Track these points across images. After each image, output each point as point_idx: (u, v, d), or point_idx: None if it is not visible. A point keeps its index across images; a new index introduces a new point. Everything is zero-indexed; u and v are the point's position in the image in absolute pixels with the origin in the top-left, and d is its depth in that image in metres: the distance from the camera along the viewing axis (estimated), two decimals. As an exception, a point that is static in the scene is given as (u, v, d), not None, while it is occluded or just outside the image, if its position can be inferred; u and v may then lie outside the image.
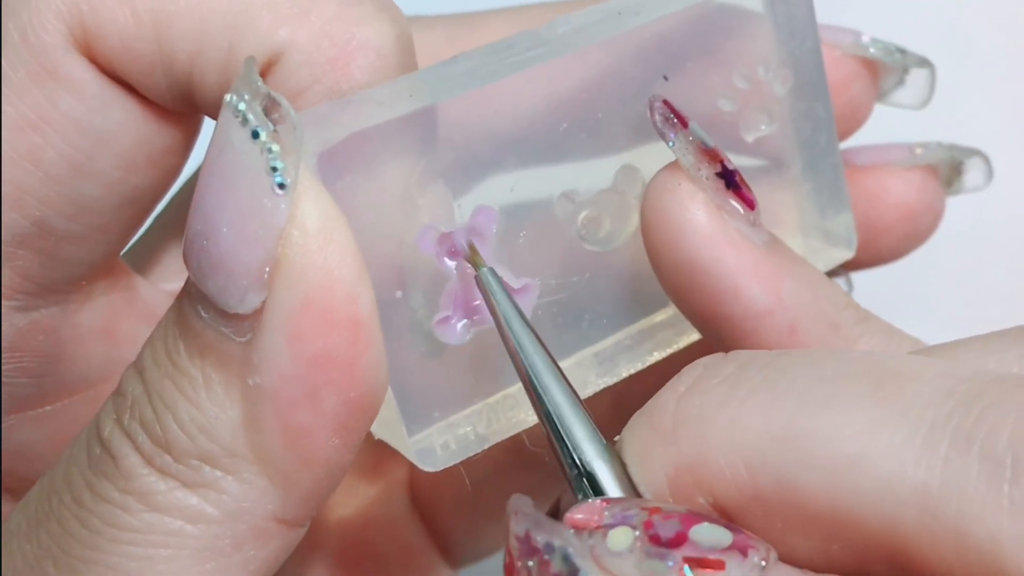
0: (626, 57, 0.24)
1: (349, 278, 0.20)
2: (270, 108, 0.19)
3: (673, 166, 0.23)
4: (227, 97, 0.19)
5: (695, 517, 0.19)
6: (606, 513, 0.19)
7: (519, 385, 0.24)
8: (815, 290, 0.24)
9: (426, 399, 0.23)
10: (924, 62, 0.29)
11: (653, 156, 0.24)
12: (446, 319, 0.23)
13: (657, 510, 0.19)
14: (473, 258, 0.23)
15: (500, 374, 0.24)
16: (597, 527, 0.19)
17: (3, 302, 0.25)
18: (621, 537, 0.19)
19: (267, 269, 0.19)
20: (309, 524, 0.22)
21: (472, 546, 0.33)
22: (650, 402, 0.21)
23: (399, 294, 0.23)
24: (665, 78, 0.24)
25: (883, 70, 0.29)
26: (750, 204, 0.23)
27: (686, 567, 0.18)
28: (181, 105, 0.24)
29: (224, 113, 0.19)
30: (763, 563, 0.19)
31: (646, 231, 0.24)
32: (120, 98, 0.24)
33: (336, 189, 0.21)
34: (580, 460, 0.21)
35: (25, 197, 0.24)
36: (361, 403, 0.20)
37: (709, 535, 0.19)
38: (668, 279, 0.24)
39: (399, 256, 0.23)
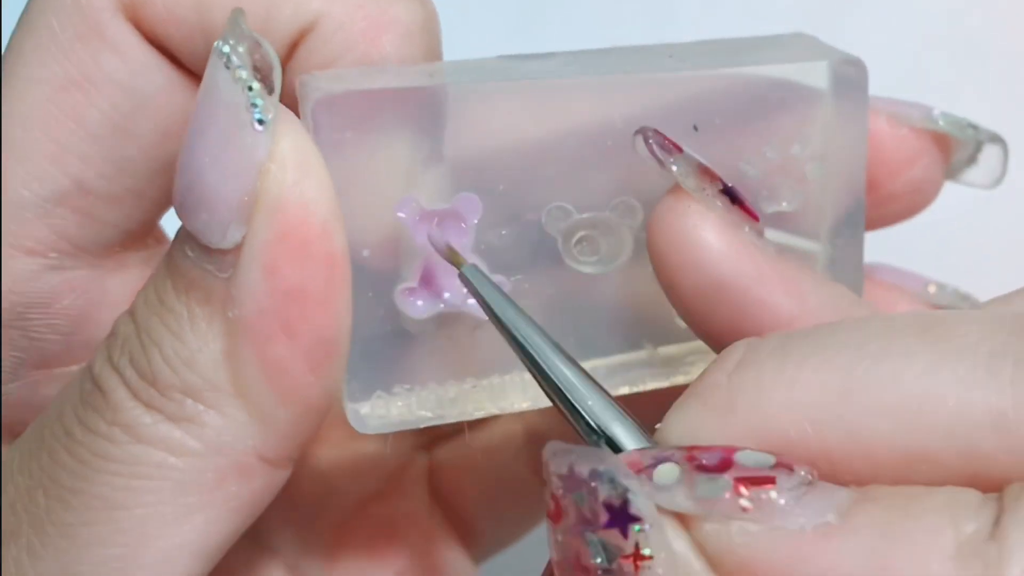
0: (657, 98, 0.24)
1: (324, 213, 0.21)
2: (254, 50, 0.20)
3: (676, 191, 0.23)
4: (216, 43, 0.20)
5: (734, 448, 0.19)
6: (627, 470, 0.19)
7: (472, 383, 0.24)
8: (828, 290, 0.24)
9: (374, 363, 0.24)
10: (996, 138, 0.28)
11: (655, 195, 0.24)
12: (410, 290, 0.24)
13: (695, 447, 0.19)
14: (453, 258, 0.23)
15: (451, 362, 0.24)
16: (640, 470, 0.19)
17: (38, 259, 0.25)
18: (667, 471, 0.19)
19: (245, 201, 0.20)
20: (292, 468, 0.23)
21: (492, 537, 0.34)
22: (693, 386, 0.21)
23: (366, 253, 0.23)
24: (695, 128, 0.24)
25: (955, 146, 0.28)
26: (754, 217, 0.24)
27: (741, 487, 0.19)
28: None
29: (211, 57, 0.21)
30: (810, 477, 0.19)
31: (658, 257, 0.24)
32: (162, 64, 0.25)
33: (327, 138, 0.22)
34: (599, 426, 0.21)
35: (66, 155, 0.25)
36: (334, 342, 0.21)
37: (752, 458, 0.19)
38: (689, 303, 0.24)
39: (378, 219, 0.23)
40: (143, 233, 0.27)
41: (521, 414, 0.27)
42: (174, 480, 0.22)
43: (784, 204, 0.26)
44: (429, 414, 0.24)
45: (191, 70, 0.25)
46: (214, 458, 0.22)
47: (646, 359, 0.26)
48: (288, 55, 0.25)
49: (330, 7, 0.24)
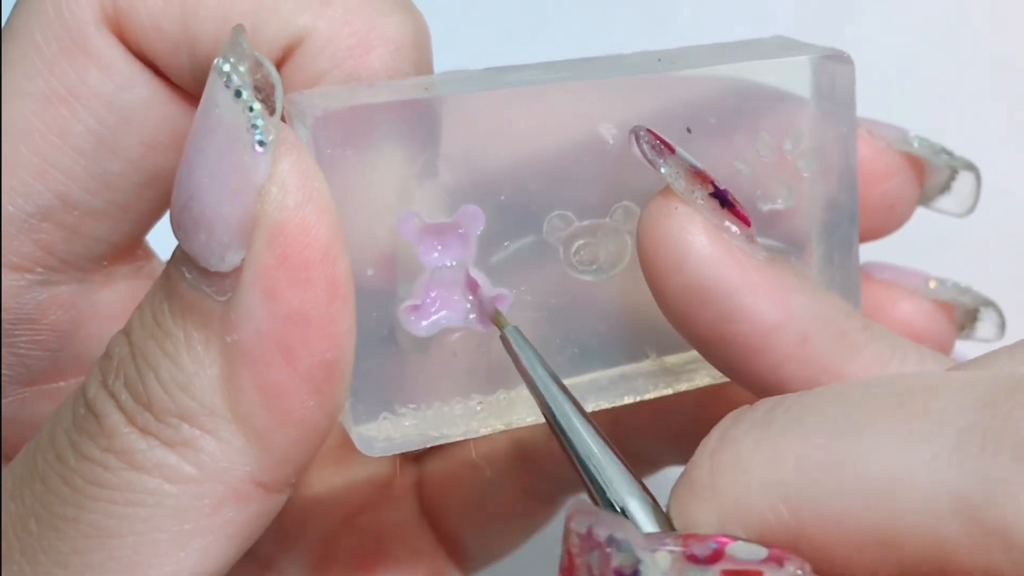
0: (651, 100, 0.24)
1: (327, 236, 0.20)
2: (255, 70, 0.20)
3: (666, 192, 0.23)
4: (216, 61, 0.20)
5: (730, 538, 0.19)
6: (643, 542, 0.19)
7: (478, 400, 0.24)
8: (819, 300, 0.24)
9: (378, 384, 0.23)
10: (970, 166, 0.28)
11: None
12: (414, 308, 0.23)
13: (692, 536, 0.19)
14: (497, 319, 0.23)
15: (456, 380, 0.24)
16: None
17: (24, 275, 0.25)
18: (660, 559, 0.19)
19: (244, 224, 0.20)
20: (290, 492, 0.22)
21: (481, 551, 0.33)
22: (688, 464, 0.21)
23: (370, 272, 0.23)
24: (688, 130, 0.24)
25: (928, 171, 0.28)
26: (746, 221, 0.23)
27: None
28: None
29: (211, 75, 0.20)
30: (799, 572, 0.19)
31: (645, 259, 0.23)
32: (146, 78, 0.25)
33: (328, 156, 0.22)
34: (614, 501, 0.21)
35: (51, 170, 0.24)
36: (336, 366, 0.21)
37: (744, 550, 0.19)
38: (673, 305, 0.23)
39: (380, 237, 0.23)
40: (131, 247, 0.27)
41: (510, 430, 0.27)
42: (169, 507, 0.21)
43: (779, 202, 0.26)
44: (436, 433, 0.24)
45: (176, 83, 0.25)
46: (210, 484, 0.21)
47: (649, 367, 0.26)
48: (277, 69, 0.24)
49: (317, 23, 0.24)
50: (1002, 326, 0.30)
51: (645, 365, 0.26)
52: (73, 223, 0.25)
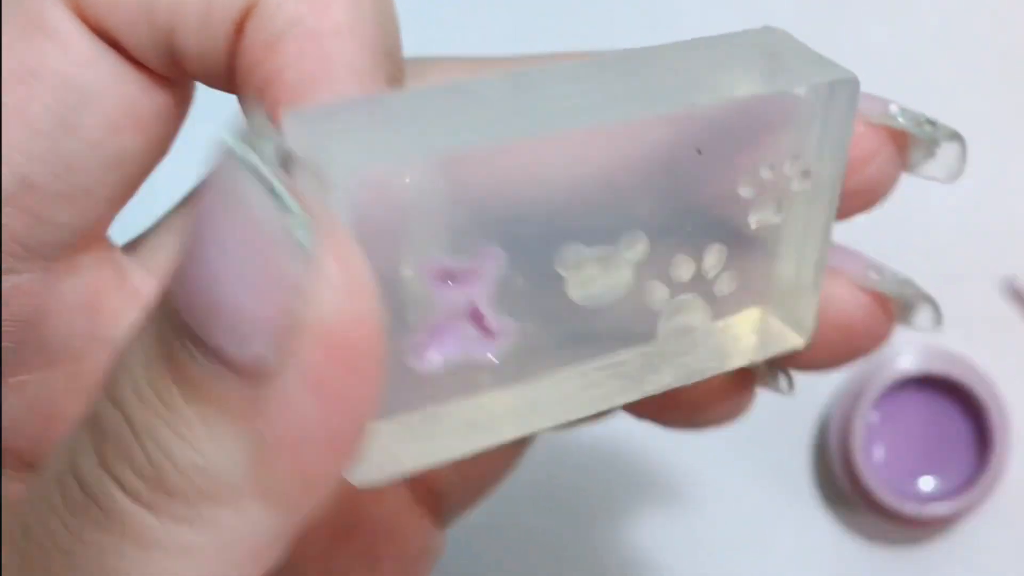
0: (663, 132, 0.23)
1: (375, 326, 0.18)
2: (286, 162, 0.18)
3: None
4: (232, 144, 0.17)
5: None
6: None
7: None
8: None
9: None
10: (955, 135, 0.27)
11: (661, 228, 0.24)
12: (422, 344, 0.22)
13: None
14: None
15: (448, 410, 0.23)
16: None
17: None
18: None
19: (282, 323, 0.18)
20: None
21: (457, 501, 0.33)
22: None
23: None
24: (698, 151, 0.23)
25: (912, 142, 0.27)
26: None
27: None
28: (168, 68, 0.24)
29: (225, 160, 0.18)
30: None
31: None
32: (107, 56, 0.23)
33: (359, 218, 0.20)
34: None
35: (11, 152, 0.23)
36: (364, 432, 0.20)
37: None
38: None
39: (390, 272, 0.21)
40: (96, 233, 0.25)
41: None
42: (184, 574, 0.19)
43: (770, 218, 0.25)
44: (429, 459, 0.23)
45: (137, 59, 0.24)
46: (229, 552, 0.20)
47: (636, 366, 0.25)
48: (236, 38, 0.23)
49: None
50: (939, 320, 0.29)
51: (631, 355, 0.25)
52: (35, 207, 0.23)
